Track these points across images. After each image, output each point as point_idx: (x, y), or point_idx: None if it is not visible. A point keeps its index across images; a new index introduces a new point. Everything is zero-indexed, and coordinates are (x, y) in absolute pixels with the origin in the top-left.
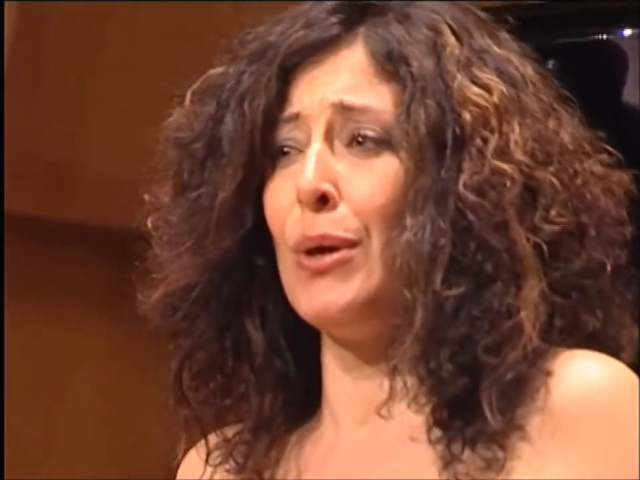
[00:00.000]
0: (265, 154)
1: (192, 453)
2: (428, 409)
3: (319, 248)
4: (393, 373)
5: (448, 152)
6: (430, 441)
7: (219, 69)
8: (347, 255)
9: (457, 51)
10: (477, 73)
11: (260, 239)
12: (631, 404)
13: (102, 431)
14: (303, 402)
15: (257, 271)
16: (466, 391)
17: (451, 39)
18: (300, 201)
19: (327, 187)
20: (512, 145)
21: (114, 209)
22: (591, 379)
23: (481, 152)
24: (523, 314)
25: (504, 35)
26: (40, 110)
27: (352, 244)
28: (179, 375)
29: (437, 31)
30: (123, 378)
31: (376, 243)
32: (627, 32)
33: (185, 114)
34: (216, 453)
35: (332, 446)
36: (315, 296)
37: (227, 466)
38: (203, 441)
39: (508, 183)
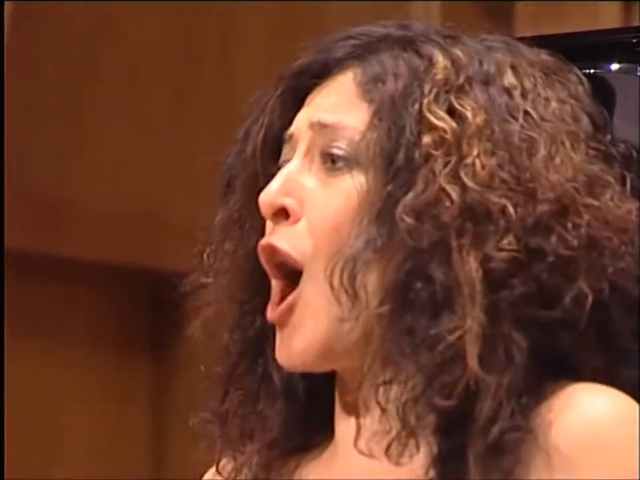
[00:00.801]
0: (270, 175)
1: (211, 471)
2: (417, 458)
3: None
4: (361, 413)
5: (399, 173)
6: None
7: (261, 94)
8: (290, 302)
9: (440, 76)
10: (453, 100)
11: None
12: (634, 439)
13: (95, 459)
14: (319, 424)
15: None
16: (454, 441)
17: (441, 65)
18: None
19: (289, 202)
20: (462, 168)
21: (108, 244)
22: (591, 418)
23: (433, 174)
24: (465, 345)
25: (531, 71)
26: (34, 143)
27: (293, 262)
28: (222, 398)
29: (426, 57)
30: (112, 412)
31: (319, 267)
32: (615, 66)
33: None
34: (233, 468)
35: (341, 470)
36: (280, 348)
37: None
38: (223, 461)
39: (447, 204)
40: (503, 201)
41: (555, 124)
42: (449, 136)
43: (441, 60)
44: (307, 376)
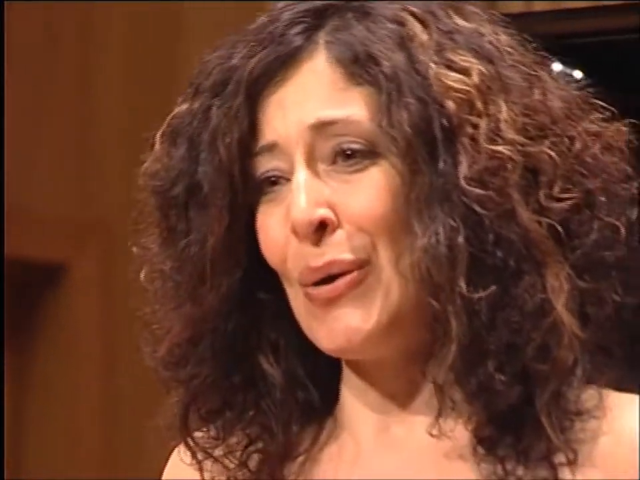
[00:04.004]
0: (247, 189)
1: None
2: (473, 425)
3: (327, 278)
4: (441, 391)
5: (440, 146)
6: (477, 458)
7: (183, 107)
8: (357, 276)
9: (425, 38)
10: (452, 56)
11: (259, 273)
12: None
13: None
14: (321, 407)
15: (263, 305)
16: (520, 403)
17: (417, 27)
18: (296, 234)
19: (323, 212)
20: (502, 125)
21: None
22: None
23: (473, 139)
24: (557, 305)
25: (469, 8)
26: None
27: (362, 263)
28: (184, 420)
29: (401, 23)
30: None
31: (384, 257)
32: None
33: (157, 158)
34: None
35: (353, 462)
36: (334, 327)
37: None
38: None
39: (509, 166)
40: (546, 149)
41: (520, 57)
42: (469, 95)
43: (410, 20)
44: (312, 371)
